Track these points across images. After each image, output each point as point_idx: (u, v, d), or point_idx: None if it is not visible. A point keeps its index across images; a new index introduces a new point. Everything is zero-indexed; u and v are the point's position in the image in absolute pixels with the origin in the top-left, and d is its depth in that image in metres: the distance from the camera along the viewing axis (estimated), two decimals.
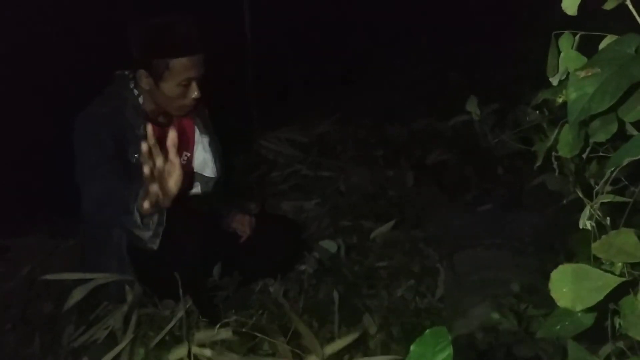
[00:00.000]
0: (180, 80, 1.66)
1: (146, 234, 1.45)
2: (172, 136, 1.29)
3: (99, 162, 1.59)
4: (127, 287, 1.67)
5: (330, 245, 2.08)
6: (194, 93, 1.69)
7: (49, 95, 2.52)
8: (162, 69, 1.65)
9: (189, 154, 1.91)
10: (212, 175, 1.94)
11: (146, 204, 1.36)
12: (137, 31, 1.68)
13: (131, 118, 1.70)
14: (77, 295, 1.64)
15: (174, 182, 1.33)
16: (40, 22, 2.52)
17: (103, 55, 1.97)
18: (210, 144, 1.92)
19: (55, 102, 2.43)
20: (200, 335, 1.47)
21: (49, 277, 1.78)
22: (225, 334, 1.46)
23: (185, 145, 1.90)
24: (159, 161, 1.30)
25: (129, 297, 1.64)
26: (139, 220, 1.36)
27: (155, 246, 1.45)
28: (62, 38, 2.57)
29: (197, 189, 1.96)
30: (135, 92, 1.73)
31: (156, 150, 1.30)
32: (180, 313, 1.60)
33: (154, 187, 1.32)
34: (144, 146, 1.29)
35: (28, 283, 2.06)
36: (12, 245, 2.32)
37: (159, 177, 1.32)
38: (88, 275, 1.68)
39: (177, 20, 1.67)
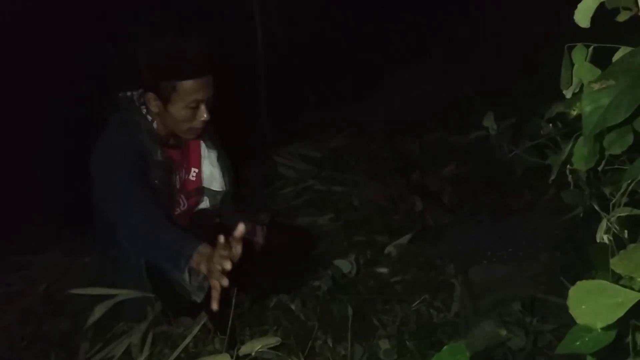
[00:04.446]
0: (188, 102, 1.65)
1: (191, 287, 1.42)
2: (240, 228, 1.31)
3: (130, 190, 1.56)
4: (147, 306, 1.66)
5: (344, 265, 2.07)
6: (203, 115, 1.68)
7: (66, 115, 2.55)
8: (170, 91, 1.64)
9: (197, 170, 1.92)
10: (220, 189, 1.95)
11: (199, 269, 1.35)
12: (144, 53, 1.68)
13: (147, 143, 1.70)
14: (99, 312, 1.63)
15: (231, 262, 1.31)
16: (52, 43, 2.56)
17: (117, 77, 1.97)
18: (218, 158, 1.93)
19: (74, 122, 2.47)
20: (246, 347, 1.41)
21: (74, 291, 1.79)
22: (274, 340, 1.42)
23: (193, 161, 1.92)
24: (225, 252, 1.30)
25: (149, 315, 1.63)
26: (187, 278, 1.36)
27: (199, 299, 1.43)
28: (76, 60, 2.61)
29: (205, 202, 1.97)
30: (149, 117, 1.73)
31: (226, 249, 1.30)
32: (196, 330, 1.60)
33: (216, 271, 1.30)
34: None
35: (45, 299, 2.09)
36: (30, 262, 2.34)
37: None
38: (111, 291, 1.67)
39: (184, 42, 1.66)
